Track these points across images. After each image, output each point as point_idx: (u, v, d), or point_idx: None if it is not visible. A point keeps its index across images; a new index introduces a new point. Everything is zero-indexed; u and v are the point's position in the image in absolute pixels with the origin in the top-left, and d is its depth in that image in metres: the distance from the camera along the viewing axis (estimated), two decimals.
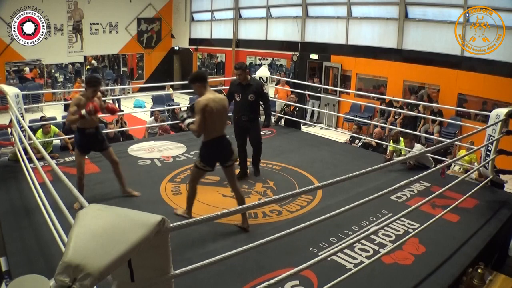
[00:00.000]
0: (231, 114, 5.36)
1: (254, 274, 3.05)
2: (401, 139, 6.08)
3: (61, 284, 1.26)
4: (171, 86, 14.43)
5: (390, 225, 3.79)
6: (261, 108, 5.30)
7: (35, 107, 13.53)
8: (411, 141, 5.71)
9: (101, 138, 4.35)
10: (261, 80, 7.57)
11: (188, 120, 3.84)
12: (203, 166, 3.83)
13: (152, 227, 1.49)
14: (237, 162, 3.98)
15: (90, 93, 4.10)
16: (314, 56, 13.08)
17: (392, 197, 4.52)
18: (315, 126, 11.63)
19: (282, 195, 2.25)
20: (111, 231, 1.41)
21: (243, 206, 2.06)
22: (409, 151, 5.62)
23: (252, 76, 5.32)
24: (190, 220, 1.83)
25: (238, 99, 5.00)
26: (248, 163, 5.24)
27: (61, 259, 1.31)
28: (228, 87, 5.24)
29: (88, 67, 17.47)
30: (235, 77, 5.10)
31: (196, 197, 3.92)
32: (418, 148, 5.66)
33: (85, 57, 16.89)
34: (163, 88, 14.38)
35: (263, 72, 7.80)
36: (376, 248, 3.44)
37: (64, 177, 2.45)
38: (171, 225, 1.65)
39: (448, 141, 5.61)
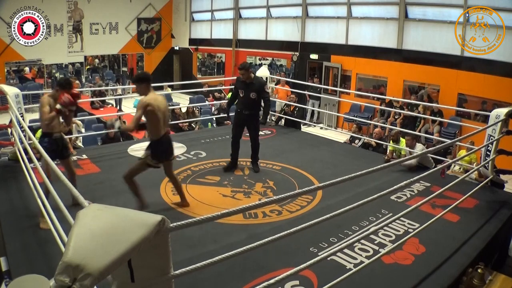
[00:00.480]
0: (234, 112, 5.52)
1: (254, 274, 3.05)
2: (402, 139, 6.07)
3: (61, 284, 1.26)
4: (171, 86, 14.40)
5: (390, 225, 3.79)
6: (262, 107, 5.40)
7: (35, 107, 13.49)
8: (412, 139, 5.69)
9: (65, 144, 4.16)
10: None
11: (118, 123, 4.01)
12: (155, 163, 4.01)
13: (152, 227, 1.48)
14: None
15: (56, 93, 3.91)
16: (314, 56, 13.07)
17: (392, 197, 4.52)
18: (315, 126, 11.62)
19: (282, 195, 2.25)
20: (111, 231, 1.41)
21: (244, 206, 2.05)
22: (410, 151, 5.61)
23: (256, 75, 5.51)
24: (190, 220, 1.83)
25: (241, 95, 5.28)
26: (245, 162, 5.26)
27: (61, 259, 1.31)
28: (228, 87, 5.40)
29: (88, 67, 17.47)
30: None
31: (195, 197, 3.93)
32: (419, 148, 5.65)
33: (85, 57, 16.89)
34: (162, 88, 14.36)
35: (263, 72, 7.80)
36: (376, 248, 3.44)
37: (63, 177, 2.45)
38: (171, 225, 1.65)
39: (448, 141, 5.61)
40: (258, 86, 5.18)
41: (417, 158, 5.46)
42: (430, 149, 4.31)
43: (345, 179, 2.50)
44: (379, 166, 2.78)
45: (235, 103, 5.52)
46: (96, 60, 17.59)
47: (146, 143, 6.48)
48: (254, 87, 5.16)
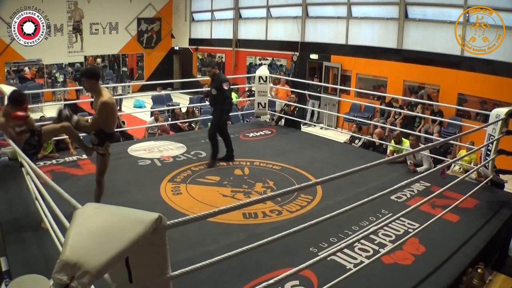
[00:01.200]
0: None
1: (254, 274, 3.04)
2: (404, 139, 6.06)
3: (59, 282, 1.26)
4: (170, 86, 14.36)
5: (390, 225, 3.79)
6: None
7: (35, 107, 13.54)
8: (417, 140, 5.66)
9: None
10: (261, 78, 7.59)
11: (76, 118, 3.65)
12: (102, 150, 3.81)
13: (148, 224, 1.48)
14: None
15: (10, 110, 3.70)
16: (314, 56, 13.07)
17: (392, 197, 4.51)
18: (315, 126, 11.62)
19: (278, 191, 2.25)
20: (108, 229, 1.41)
21: (239, 203, 2.05)
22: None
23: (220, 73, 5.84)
24: (186, 217, 1.82)
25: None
26: (245, 162, 5.28)
27: (59, 257, 1.31)
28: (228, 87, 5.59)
29: (88, 67, 17.47)
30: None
31: (195, 197, 3.90)
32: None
33: (85, 57, 16.90)
34: (164, 87, 14.33)
35: (263, 72, 7.80)
36: (376, 248, 3.44)
37: (50, 181, 2.44)
38: (167, 222, 1.65)
39: (446, 138, 5.60)
40: (217, 82, 5.46)
41: (428, 162, 5.47)
42: (424, 146, 4.30)
43: (344, 174, 2.50)
44: (377, 162, 2.78)
45: None
46: (99, 60, 17.61)
47: (146, 143, 6.56)
48: (214, 83, 5.50)
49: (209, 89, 5.80)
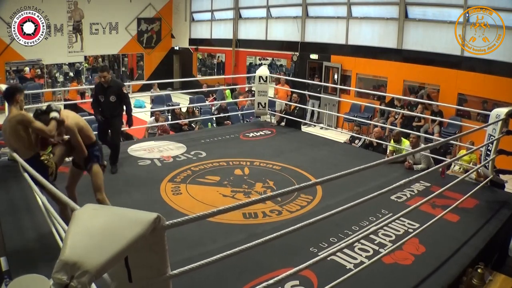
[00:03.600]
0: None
1: (253, 274, 3.04)
2: (403, 139, 6.06)
3: (59, 281, 1.27)
4: (164, 87, 14.37)
5: (390, 225, 3.79)
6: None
7: (35, 107, 13.52)
8: (417, 139, 5.66)
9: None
10: (261, 78, 7.59)
11: (54, 114, 3.50)
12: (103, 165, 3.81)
13: (147, 224, 1.49)
14: None
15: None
16: (314, 56, 13.08)
17: (392, 197, 4.52)
18: (315, 126, 11.62)
19: (278, 191, 2.25)
20: (107, 229, 1.42)
21: (238, 203, 2.04)
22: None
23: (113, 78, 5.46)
24: (185, 217, 1.82)
25: (102, 100, 5.23)
26: (245, 162, 5.26)
27: (59, 257, 1.31)
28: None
29: (87, 66, 17.50)
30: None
31: (195, 197, 3.88)
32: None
33: (85, 57, 16.89)
34: (164, 87, 14.33)
35: (263, 71, 7.80)
36: (376, 248, 3.44)
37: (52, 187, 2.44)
38: (166, 223, 1.65)
39: (446, 139, 5.60)
40: (116, 88, 5.19)
41: (426, 162, 5.47)
42: (425, 146, 4.29)
43: (344, 174, 2.50)
44: (377, 162, 2.78)
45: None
46: (100, 60, 17.62)
47: (146, 143, 6.56)
48: (113, 89, 5.17)
49: (101, 99, 5.25)
